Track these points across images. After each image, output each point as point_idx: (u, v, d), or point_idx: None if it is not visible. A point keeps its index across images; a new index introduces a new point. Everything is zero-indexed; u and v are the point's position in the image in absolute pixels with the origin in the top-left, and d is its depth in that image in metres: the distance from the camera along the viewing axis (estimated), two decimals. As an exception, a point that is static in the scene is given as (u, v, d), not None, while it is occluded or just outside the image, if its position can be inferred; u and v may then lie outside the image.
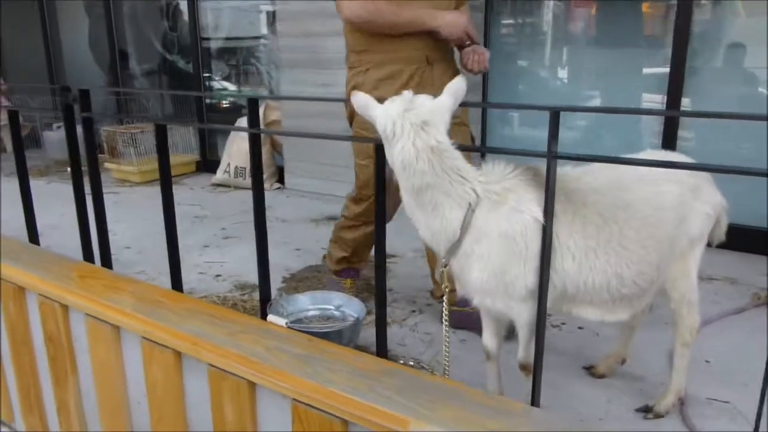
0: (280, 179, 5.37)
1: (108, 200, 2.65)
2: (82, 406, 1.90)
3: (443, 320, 1.77)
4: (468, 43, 2.46)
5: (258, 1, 5.97)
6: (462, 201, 1.60)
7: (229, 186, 5.38)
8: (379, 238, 1.89)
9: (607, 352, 2.36)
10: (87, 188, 2.43)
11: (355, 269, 2.89)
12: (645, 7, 4.02)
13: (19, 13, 7.63)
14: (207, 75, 6.20)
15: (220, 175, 5.44)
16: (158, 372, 1.88)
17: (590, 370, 2.29)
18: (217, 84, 6.41)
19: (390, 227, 4.10)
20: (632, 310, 1.83)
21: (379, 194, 1.83)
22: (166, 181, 2.42)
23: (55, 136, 6.53)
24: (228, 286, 3.14)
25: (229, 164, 5.37)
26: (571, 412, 2.04)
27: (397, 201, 1.85)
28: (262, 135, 5.29)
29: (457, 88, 1.60)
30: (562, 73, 4.50)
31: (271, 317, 2.08)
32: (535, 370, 1.70)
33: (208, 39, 6.13)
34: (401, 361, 2.32)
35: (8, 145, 5.83)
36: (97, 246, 2.59)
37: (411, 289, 3.06)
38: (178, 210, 2.40)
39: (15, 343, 1.97)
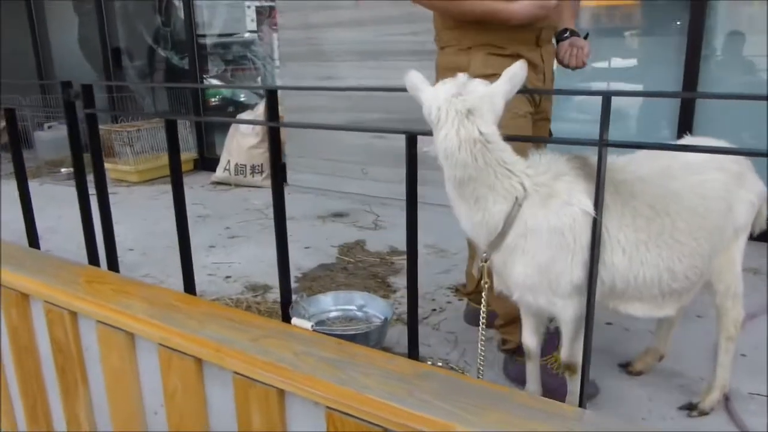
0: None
1: (108, 201, 2.52)
2: (94, 417, 1.79)
3: (481, 319, 1.66)
4: (566, 34, 2.15)
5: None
6: (508, 195, 1.51)
7: (229, 184, 5.26)
8: (411, 229, 1.78)
9: (638, 347, 2.28)
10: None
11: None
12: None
13: (7, 13, 7.46)
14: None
15: (220, 173, 5.32)
16: (177, 381, 1.76)
17: (627, 367, 2.20)
18: (213, 81, 6.29)
19: (403, 223, 4.02)
20: (680, 304, 1.75)
21: (410, 183, 1.73)
22: (177, 179, 2.30)
23: (46, 136, 6.37)
24: (239, 288, 3.03)
25: (229, 162, 5.25)
26: (614, 413, 1.94)
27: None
28: (263, 131, 5.18)
29: (514, 73, 1.46)
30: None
31: (295, 320, 1.96)
32: (583, 370, 1.60)
33: (203, 35, 6.00)
34: (429, 362, 2.22)
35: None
36: (103, 249, 2.47)
37: (428, 287, 2.96)
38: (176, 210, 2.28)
39: (18, 354, 1.86)
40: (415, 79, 1.51)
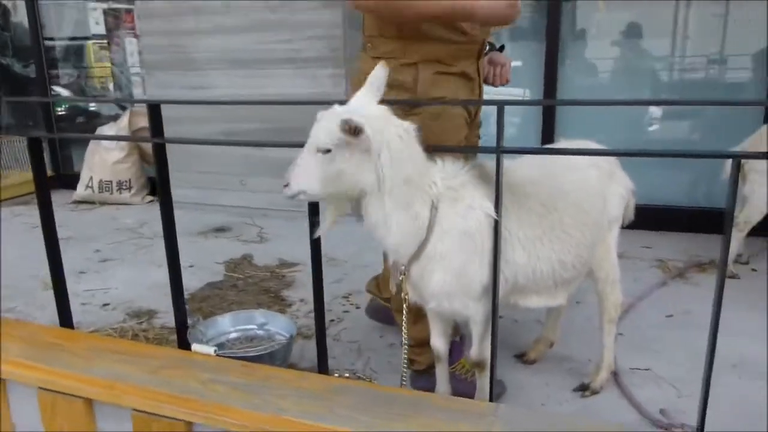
0: (152, 192, 4.97)
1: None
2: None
3: (403, 333, 1.68)
4: (487, 48, 1.98)
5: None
6: (427, 198, 1.54)
7: (93, 202, 4.86)
8: (315, 242, 1.75)
9: (529, 337, 2.41)
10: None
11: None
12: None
13: None
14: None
15: (81, 190, 4.90)
16: (64, 425, 1.62)
17: (522, 357, 2.32)
18: (61, 90, 5.80)
19: (288, 234, 3.94)
20: (568, 292, 1.88)
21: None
22: (44, 199, 2.09)
23: None
24: (120, 316, 2.80)
25: (91, 178, 4.85)
26: (516, 402, 2.04)
27: None
28: (128, 144, 4.86)
29: (377, 77, 1.49)
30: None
31: (195, 346, 1.86)
32: (492, 365, 1.67)
33: (51, 39, 5.51)
34: (336, 374, 2.20)
35: None
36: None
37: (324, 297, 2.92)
38: (36, 233, 2.09)
39: None
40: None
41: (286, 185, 1.47)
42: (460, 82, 1.88)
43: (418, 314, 1.96)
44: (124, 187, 4.86)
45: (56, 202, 4.81)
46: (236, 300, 2.89)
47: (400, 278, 1.62)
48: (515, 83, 4.13)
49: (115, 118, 5.32)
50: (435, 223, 1.55)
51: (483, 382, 1.81)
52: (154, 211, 4.73)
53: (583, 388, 2.10)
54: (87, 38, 5.77)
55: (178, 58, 4.42)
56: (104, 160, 4.81)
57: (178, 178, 4.55)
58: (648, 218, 3.79)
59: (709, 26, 3.83)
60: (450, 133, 1.84)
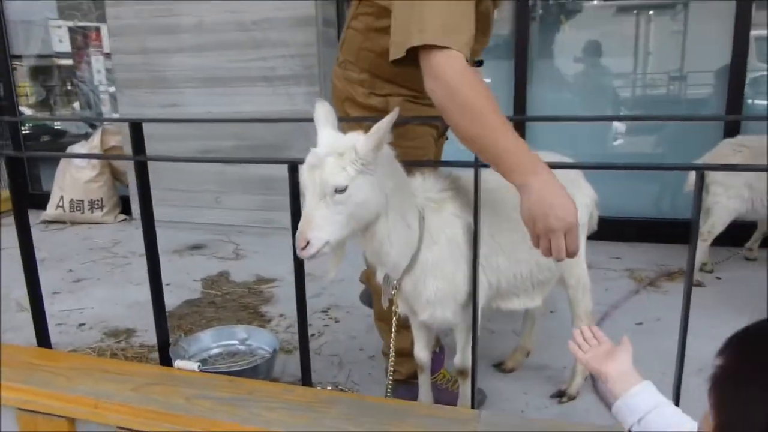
0: (125, 210, 4.92)
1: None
2: None
3: (391, 345, 1.72)
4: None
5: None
6: (416, 211, 1.59)
7: (64, 222, 4.79)
8: (298, 259, 1.78)
9: (506, 347, 2.46)
10: None
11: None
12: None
13: None
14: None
15: (52, 210, 4.83)
16: (48, 445, 1.60)
17: (500, 367, 2.37)
18: (25, 110, 5.73)
19: (264, 250, 3.94)
20: (543, 294, 1.95)
21: (294, 213, 1.73)
22: (21, 221, 2.08)
23: None
24: (97, 335, 2.77)
25: (62, 198, 4.79)
26: (496, 409, 2.09)
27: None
28: (100, 163, 4.81)
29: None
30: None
31: (178, 362, 1.86)
32: (472, 373, 1.72)
33: (19, 56, 5.46)
34: (319, 387, 2.21)
35: None
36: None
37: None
38: (6, 254, 2.07)
39: None
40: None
41: (304, 246, 1.36)
42: (431, 109, 1.92)
43: (400, 325, 2.00)
44: (96, 206, 4.81)
45: (26, 222, 4.71)
46: (215, 317, 2.89)
47: (392, 293, 1.65)
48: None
49: (84, 137, 5.28)
50: (424, 233, 1.59)
51: (466, 390, 1.85)
52: (127, 229, 4.72)
53: (560, 395, 2.16)
54: (50, 56, 5.73)
55: (150, 76, 4.41)
56: (75, 179, 4.76)
57: (153, 196, 4.54)
58: (617, 230, 3.94)
59: (669, 43, 4.00)
60: (418, 150, 1.88)
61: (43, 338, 2.18)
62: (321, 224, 1.36)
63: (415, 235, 1.59)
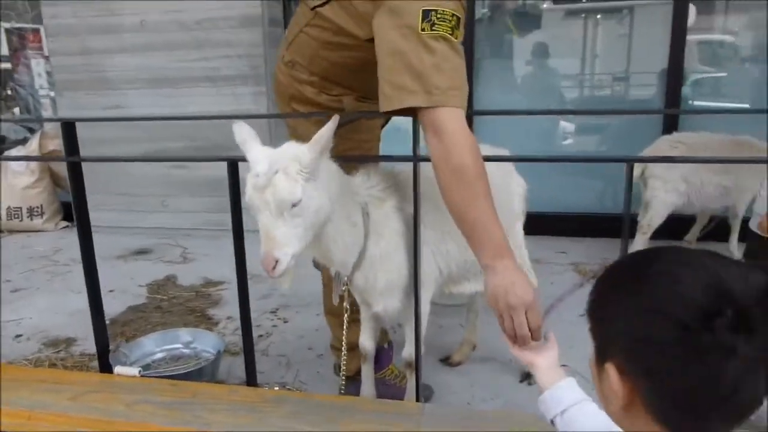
0: (66, 217, 4.76)
1: None
2: None
3: (343, 339, 1.73)
4: None
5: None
6: (359, 208, 1.61)
7: (1, 231, 4.60)
8: (239, 258, 1.76)
9: (453, 341, 2.49)
10: None
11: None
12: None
13: None
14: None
15: (-13, 219, 4.63)
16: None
17: (447, 360, 2.39)
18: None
19: (213, 253, 3.87)
20: None
21: (235, 211, 1.71)
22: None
23: None
24: (35, 346, 2.67)
25: (-2, 205, 4.60)
26: (443, 403, 2.11)
27: None
28: (39, 168, 4.65)
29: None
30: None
31: (118, 369, 1.81)
32: (417, 367, 1.73)
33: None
34: (266, 388, 2.19)
35: None
36: None
37: (251, 313, 2.90)
38: None
39: None
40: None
41: (274, 266, 1.36)
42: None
43: (349, 318, 2.00)
44: (35, 214, 4.63)
45: (-43, 231, 4.51)
46: (161, 321, 2.82)
47: (343, 289, 1.67)
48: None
49: (22, 141, 5.09)
50: (370, 229, 1.62)
51: (412, 384, 1.87)
52: (69, 236, 4.56)
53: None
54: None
55: (92, 77, 4.29)
56: (12, 185, 4.57)
57: (95, 201, 4.38)
58: (563, 225, 4.04)
59: (616, 46, 4.12)
60: (369, 143, 1.90)
61: (-25, 349, 2.09)
62: (284, 241, 1.37)
63: (360, 232, 1.62)
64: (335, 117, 1.40)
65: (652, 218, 3.27)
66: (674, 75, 3.77)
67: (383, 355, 2.16)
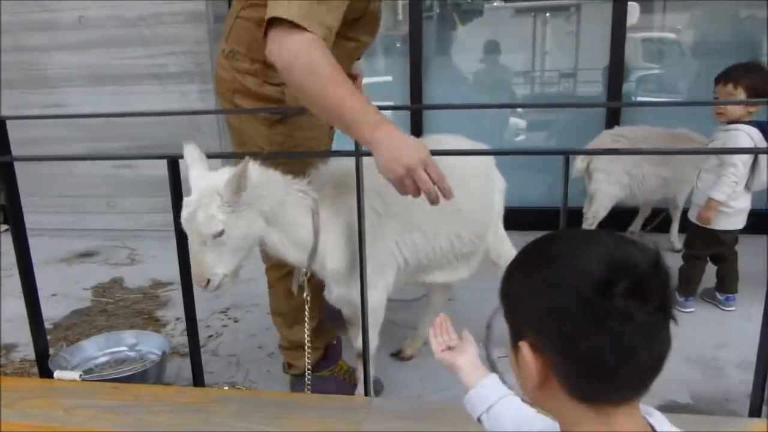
0: (6, 220, 4.57)
1: None
2: None
3: (306, 333, 1.79)
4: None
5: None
6: (306, 210, 1.68)
7: (-65, 236, 4.40)
8: (182, 258, 1.73)
9: (405, 336, 2.50)
10: None
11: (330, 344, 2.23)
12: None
13: None
14: None
15: None
16: None
17: (398, 355, 2.41)
18: None
19: (162, 254, 3.79)
20: (470, 267, 2.05)
21: (176, 211, 1.68)
22: None
23: None
24: (-28, 353, 2.57)
25: (-68, 209, 4.39)
26: (394, 395, 2.12)
27: None
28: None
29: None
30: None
31: (58, 373, 1.76)
32: (365, 360, 1.74)
33: None
34: (215, 388, 2.16)
35: None
36: None
37: (201, 314, 2.83)
38: None
39: None
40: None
41: (206, 284, 1.51)
42: None
43: (295, 318, 2.00)
44: (-28, 217, 4.44)
45: None
46: (106, 325, 2.75)
47: (302, 279, 1.74)
48: (386, 97, 4.28)
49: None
50: (320, 226, 1.69)
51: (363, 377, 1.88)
52: (8, 240, 4.37)
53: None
54: None
55: (28, 75, 4.13)
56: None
57: (35, 203, 4.26)
58: (513, 219, 4.10)
59: (563, 43, 4.20)
60: (313, 141, 1.89)
61: None
62: (212, 264, 1.50)
63: (309, 230, 1.68)
64: (247, 158, 1.44)
65: (597, 210, 3.36)
66: (615, 71, 3.87)
67: (332, 351, 2.16)
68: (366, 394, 1.76)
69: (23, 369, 2.39)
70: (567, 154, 1.54)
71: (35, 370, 2.33)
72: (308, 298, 1.75)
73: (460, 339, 1.13)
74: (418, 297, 2.70)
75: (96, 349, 2.15)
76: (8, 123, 1.82)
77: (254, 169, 1.48)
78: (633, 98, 4.09)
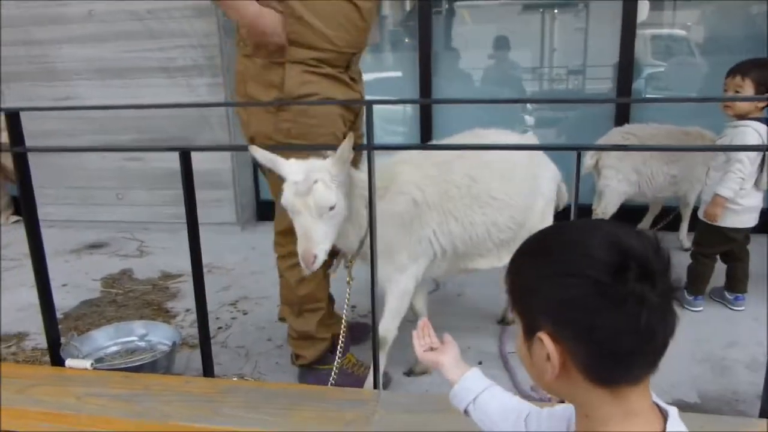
0: (17, 211, 4.61)
1: None
2: None
3: (343, 317, 1.91)
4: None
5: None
6: (363, 200, 1.77)
7: (-52, 226, 4.44)
8: (194, 248, 1.74)
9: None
10: None
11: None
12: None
13: None
14: None
15: (-68, 214, 4.45)
16: None
17: (410, 374, 2.28)
18: None
19: (171, 246, 3.81)
20: (511, 254, 2.05)
21: (189, 200, 1.69)
22: None
23: None
24: (-16, 342, 2.60)
25: (-56, 200, 4.43)
26: (401, 390, 2.12)
27: None
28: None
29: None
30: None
31: (69, 362, 1.77)
32: (374, 356, 1.74)
33: None
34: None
35: None
36: None
37: (211, 305, 2.84)
38: None
39: None
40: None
41: (314, 260, 1.62)
42: (331, 83, 1.94)
43: (302, 308, 2.03)
44: (-16, 208, 4.48)
45: None
46: (116, 316, 2.77)
47: (348, 266, 1.90)
48: (394, 94, 4.28)
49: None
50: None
51: (383, 358, 2.01)
52: (21, 231, 4.40)
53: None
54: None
55: (39, 68, 4.15)
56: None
57: (47, 195, 4.31)
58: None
59: (572, 40, 4.18)
60: (320, 129, 1.91)
61: None
62: (321, 239, 1.63)
63: (363, 222, 1.80)
64: (350, 135, 1.61)
65: (605, 207, 3.35)
66: (625, 68, 3.85)
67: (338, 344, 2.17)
68: (375, 386, 1.76)
69: (35, 357, 2.41)
70: (578, 150, 1.54)
71: (46, 358, 2.35)
72: (351, 283, 1.89)
73: (442, 343, 1.16)
74: (429, 290, 2.70)
75: (106, 338, 2.16)
76: (21, 115, 1.83)
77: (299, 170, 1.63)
78: (643, 96, 4.07)
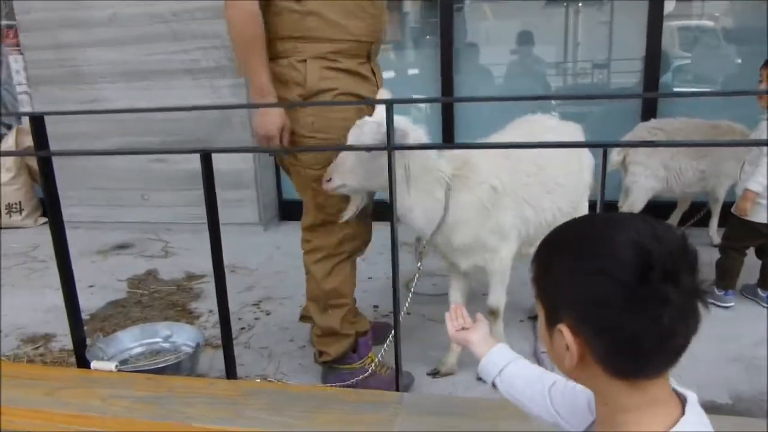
0: (46, 213, 4.69)
1: None
2: None
3: (408, 297, 2.10)
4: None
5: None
6: (440, 184, 1.93)
7: (-21, 228, 4.54)
8: (215, 249, 1.74)
9: (433, 334, 2.47)
10: None
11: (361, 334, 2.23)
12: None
13: None
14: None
15: (-36, 216, 4.56)
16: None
17: (434, 376, 2.27)
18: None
19: (195, 247, 3.84)
20: None
21: (210, 202, 1.69)
22: None
23: None
24: (13, 342, 2.64)
25: (-25, 203, 4.52)
26: (424, 391, 2.10)
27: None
28: (16, 164, 4.59)
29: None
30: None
31: (95, 364, 1.79)
32: (396, 358, 1.72)
33: None
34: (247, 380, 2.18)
35: None
36: None
37: (233, 306, 2.84)
38: None
39: None
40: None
41: (329, 180, 1.81)
42: (350, 78, 1.96)
43: (327, 303, 2.03)
44: (14, 210, 4.57)
45: (-70, 229, 4.44)
46: (141, 316, 2.80)
47: (421, 251, 2.04)
48: (415, 91, 4.25)
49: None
50: (450, 201, 1.94)
51: (497, 329, 2.18)
52: (49, 232, 4.49)
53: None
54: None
55: (66, 72, 4.21)
56: (-18, 182, 4.50)
57: (72, 197, 4.37)
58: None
59: (597, 34, 4.10)
60: (345, 122, 1.92)
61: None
62: (345, 169, 1.85)
63: (441, 205, 1.93)
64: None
65: (632, 203, 3.29)
66: (652, 61, 3.77)
67: (361, 343, 2.16)
68: (396, 387, 1.75)
69: (62, 359, 2.44)
70: (605, 147, 1.50)
71: (73, 360, 2.38)
72: (421, 268, 2.05)
73: (474, 321, 1.19)
74: (446, 292, 2.67)
75: (131, 340, 2.18)
76: (46, 118, 1.85)
77: (404, 121, 1.78)
78: (671, 89, 3.98)
